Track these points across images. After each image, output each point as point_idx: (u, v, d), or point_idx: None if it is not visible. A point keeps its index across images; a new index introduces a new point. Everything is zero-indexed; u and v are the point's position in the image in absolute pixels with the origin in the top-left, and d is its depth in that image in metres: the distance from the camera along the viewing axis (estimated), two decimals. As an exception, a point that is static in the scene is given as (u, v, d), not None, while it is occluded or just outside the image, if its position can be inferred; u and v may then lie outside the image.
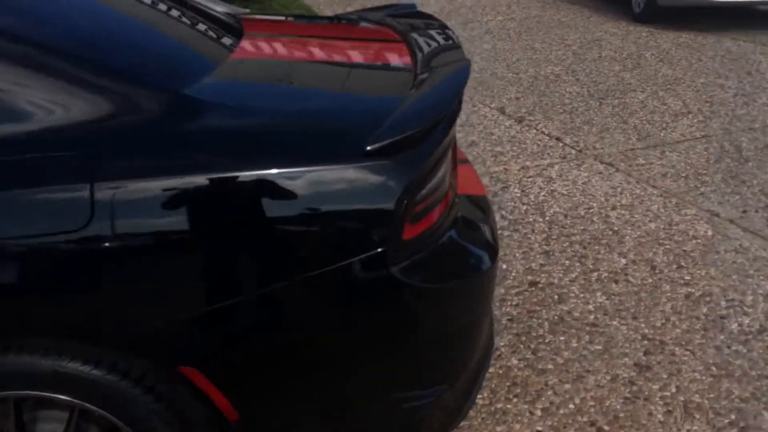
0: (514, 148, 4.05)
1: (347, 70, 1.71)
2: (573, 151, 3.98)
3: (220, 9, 2.18)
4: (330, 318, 1.37)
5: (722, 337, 2.39)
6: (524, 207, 3.34)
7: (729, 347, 2.34)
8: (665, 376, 2.21)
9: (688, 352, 2.32)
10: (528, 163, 3.83)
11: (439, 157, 1.48)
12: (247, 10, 2.22)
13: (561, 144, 4.09)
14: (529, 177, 3.66)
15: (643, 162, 3.82)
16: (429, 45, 1.84)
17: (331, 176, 1.30)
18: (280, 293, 1.30)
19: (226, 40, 1.80)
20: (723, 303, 2.57)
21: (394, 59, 1.79)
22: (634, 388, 2.17)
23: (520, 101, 4.83)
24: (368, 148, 1.31)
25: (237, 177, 1.26)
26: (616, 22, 7.04)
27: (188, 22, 1.82)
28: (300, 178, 1.28)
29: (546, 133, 4.26)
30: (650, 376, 2.22)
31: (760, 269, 2.77)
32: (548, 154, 3.96)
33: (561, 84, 5.17)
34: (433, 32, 1.94)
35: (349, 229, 1.33)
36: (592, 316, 2.52)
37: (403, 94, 1.51)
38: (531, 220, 3.22)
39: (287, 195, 1.28)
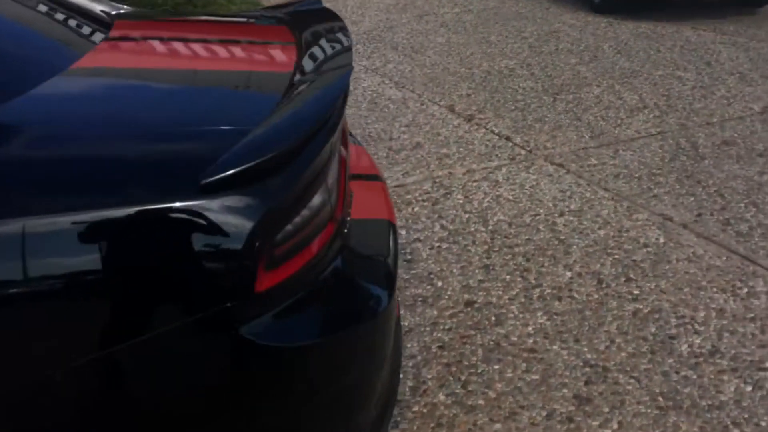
0: (461, 149, 3.81)
1: (213, 80, 1.44)
2: (522, 152, 3.75)
3: (97, 7, 1.90)
4: (168, 391, 1.11)
5: (671, 360, 2.18)
6: (466, 215, 3.10)
7: (678, 372, 2.12)
8: (606, 410, 1.99)
9: (632, 380, 2.10)
10: (474, 166, 3.60)
11: (310, 183, 1.23)
12: (126, 7, 1.93)
13: (510, 144, 3.86)
14: (474, 181, 3.43)
15: (596, 162, 3.60)
16: (320, 48, 1.58)
17: (158, 218, 1.04)
18: (99, 364, 1.04)
19: (78, 45, 1.53)
20: (673, 320, 2.36)
21: (274, 66, 1.53)
22: (572, 425, 1.94)
23: (471, 98, 4.59)
24: (203, 182, 1.05)
25: (33, 225, 1.00)
26: (575, 13, 6.83)
27: (31, 20, 1.54)
28: (115, 223, 1.02)
29: (496, 132, 4.03)
30: (590, 410, 1.99)
31: (713, 280, 2.57)
32: (496, 155, 3.73)
33: (515, 79, 4.94)
34: (328, 34, 1.69)
35: (184, 283, 1.07)
36: (530, 340, 2.29)
37: (268, 110, 1.25)
38: (473, 229, 2.98)
39: (99, 244, 1.01)
